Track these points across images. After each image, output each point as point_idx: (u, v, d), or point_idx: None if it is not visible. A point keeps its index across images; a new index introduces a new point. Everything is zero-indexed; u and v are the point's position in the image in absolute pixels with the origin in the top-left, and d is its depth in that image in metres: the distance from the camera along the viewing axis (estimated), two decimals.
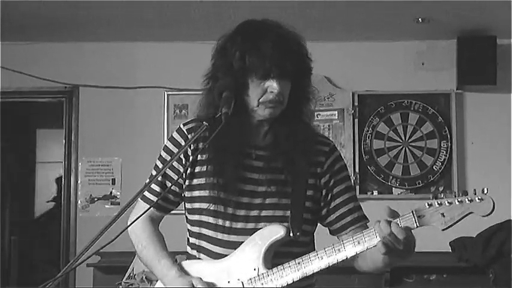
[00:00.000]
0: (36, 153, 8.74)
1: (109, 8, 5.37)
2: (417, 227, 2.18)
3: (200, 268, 2.41)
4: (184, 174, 2.46)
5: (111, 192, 6.20)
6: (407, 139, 6.15)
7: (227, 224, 2.38)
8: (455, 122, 6.11)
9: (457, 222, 2.15)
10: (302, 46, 2.41)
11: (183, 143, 2.45)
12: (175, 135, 2.51)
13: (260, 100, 2.36)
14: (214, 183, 2.39)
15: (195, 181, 2.44)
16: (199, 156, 2.44)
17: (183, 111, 6.16)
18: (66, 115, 6.32)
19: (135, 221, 2.22)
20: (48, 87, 6.23)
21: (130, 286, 5.25)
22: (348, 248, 2.24)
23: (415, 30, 5.89)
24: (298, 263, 2.29)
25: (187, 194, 2.47)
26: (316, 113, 5.87)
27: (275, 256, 2.34)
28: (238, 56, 2.35)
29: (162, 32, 5.97)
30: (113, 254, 5.14)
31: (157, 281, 2.53)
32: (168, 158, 2.49)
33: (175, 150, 2.48)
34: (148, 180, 2.52)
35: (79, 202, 6.21)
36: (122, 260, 5.40)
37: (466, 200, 2.12)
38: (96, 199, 6.19)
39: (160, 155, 2.54)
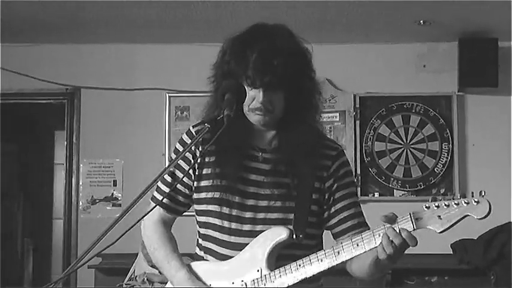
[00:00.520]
0: (55, 154, 8.70)
1: (110, 10, 5.37)
2: (414, 229, 2.19)
3: (205, 269, 2.44)
4: (193, 175, 2.49)
5: (112, 194, 6.20)
6: (408, 141, 6.16)
7: (232, 225, 2.41)
8: (456, 124, 6.11)
9: (453, 224, 2.16)
10: (295, 55, 2.40)
11: (193, 147, 2.47)
12: (185, 137, 2.55)
13: (249, 106, 2.40)
14: (219, 185, 2.41)
15: (202, 183, 2.47)
16: (206, 158, 2.47)
17: (185, 113, 6.17)
18: (68, 117, 6.32)
19: (138, 220, 2.22)
20: (49, 89, 6.24)
21: None
22: (347, 251, 2.26)
23: (416, 33, 5.89)
24: (299, 265, 2.31)
25: (195, 195, 2.50)
26: None
27: (279, 258, 2.36)
28: (228, 62, 2.40)
29: (163, 33, 5.98)
30: (114, 255, 5.15)
31: (159, 282, 2.55)
32: (181, 161, 2.51)
33: (187, 154, 2.49)
34: (159, 182, 2.56)
35: (80, 204, 6.22)
36: (123, 262, 5.41)
37: (463, 202, 2.13)
38: (97, 201, 6.20)
39: (171, 156, 2.57)
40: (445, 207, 2.14)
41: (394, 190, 6.09)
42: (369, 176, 6.11)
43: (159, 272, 5.14)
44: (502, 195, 5.55)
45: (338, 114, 6.13)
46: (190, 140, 2.49)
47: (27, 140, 8.14)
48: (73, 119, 6.30)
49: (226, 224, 2.41)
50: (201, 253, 2.50)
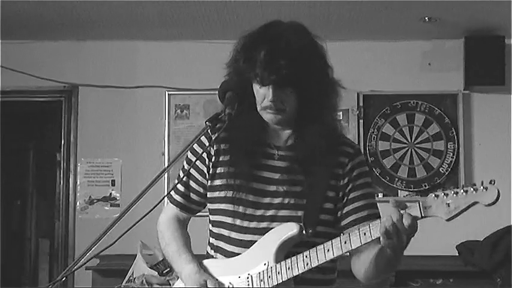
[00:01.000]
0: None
1: (109, 6, 5.37)
2: (422, 217, 2.18)
3: (214, 265, 2.48)
4: (207, 174, 2.52)
5: (110, 194, 6.20)
6: (413, 140, 6.15)
7: (244, 223, 2.43)
8: (462, 123, 6.11)
9: (461, 212, 2.15)
10: (306, 52, 2.40)
11: (206, 143, 2.50)
12: (202, 137, 2.55)
13: (261, 105, 2.41)
14: (232, 184, 2.44)
15: (216, 182, 2.50)
16: (221, 157, 2.49)
17: (185, 111, 6.16)
18: (65, 115, 6.32)
19: (138, 221, 2.22)
20: (46, 86, 6.24)
21: None
22: (354, 240, 2.25)
23: (421, 30, 5.89)
24: (305, 256, 2.31)
25: (209, 194, 2.53)
26: None
27: (287, 257, 2.36)
28: (238, 60, 2.41)
29: (163, 30, 5.97)
30: (112, 257, 5.15)
31: (158, 284, 2.57)
32: (193, 158, 2.53)
33: (199, 150, 2.52)
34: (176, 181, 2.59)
35: (78, 204, 6.21)
36: (121, 263, 5.41)
37: (472, 189, 2.14)
38: (95, 201, 6.20)
39: (187, 155, 2.59)
40: (453, 195, 2.15)
41: (399, 190, 6.09)
42: (373, 176, 6.10)
43: (158, 274, 5.16)
44: (509, 195, 5.54)
45: (341, 112, 6.12)
46: (205, 138, 2.52)
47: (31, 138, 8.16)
48: (71, 117, 6.30)
49: (238, 222, 2.44)
50: (211, 252, 2.53)
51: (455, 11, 5.44)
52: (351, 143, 2.54)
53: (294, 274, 2.32)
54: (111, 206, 6.18)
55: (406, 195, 6.05)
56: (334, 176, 2.44)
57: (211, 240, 2.54)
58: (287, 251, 2.37)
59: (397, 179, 6.11)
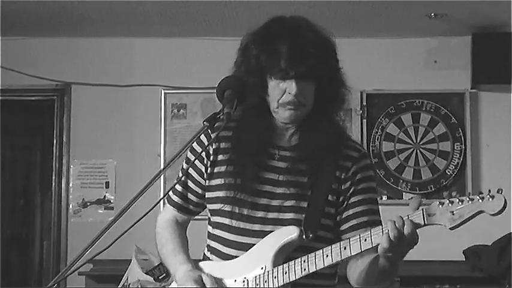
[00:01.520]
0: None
1: (103, 2, 5.37)
2: (425, 224, 2.19)
3: (211, 267, 2.48)
4: (205, 174, 2.53)
5: (104, 197, 6.20)
6: (418, 141, 6.16)
7: (241, 225, 2.43)
8: (469, 123, 6.11)
9: (466, 221, 2.15)
10: (325, 45, 2.45)
11: (206, 142, 2.51)
12: (202, 136, 2.55)
13: (279, 101, 2.42)
14: (231, 183, 2.44)
15: (214, 182, 2.51)
16: (220, 156, 2.50)
17: (181, 110, 6.16)
18: (57, 114, 6.32)
19: (133, 225, 2.22)
20: (38, 85, 6.24)
21: None
22: (354, 246, 2.25)
23: (427, 26, 5.89)
24: (304, 261, 2.31)
25: (207, 194, 2.54)
26: None
27: (286, 262, 2.36)
28: (256, 56, 2.41)
29: (159, 27, 5.97)
30: (106, 261, 5.14)
31: None
32: (192, 157, 2.54)
33: (199, 149, 2.53)
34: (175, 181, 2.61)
35: (70, 207, 6.21)
36: (115, 268, 5.41)
37: (477, 198, 2.14)
38: (88, 203, 6.20)
39: (186, 155, 2.59)
40: (459, 203, 2.16)
41: (403, 193, 6.10)
42: (377, 178, 6.10)
43: (154, 280, 5.15)
44: None
45: (344, 112, 6.12)
46: (205, 137, 2.53)
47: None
48: (63, 117, 6.30)
49: (235, 223, 2.44)
50: (208, 253, 2.54)
51: (462, 7, 5.45)
52: (357, 147, 2.54)
53: (291, 279, 2.32)
54: (105, 209, 6.18)
55: (411, 197, 6.05)
56: (336, 180, 2.44)
57: (209, 241, 2.55)
58: (286, 255, 2.37)
59: (401, 181, 6.11)
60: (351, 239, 2.26)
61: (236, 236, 2.43)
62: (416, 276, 5.62)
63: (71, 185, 6.23)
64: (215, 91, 2.48)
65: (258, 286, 2.36)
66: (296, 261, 2.32)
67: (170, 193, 2.61)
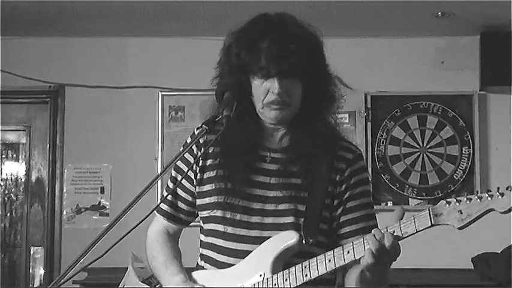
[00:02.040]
0: None
1: (98, 1, 5.37)
2: (432, 225, 2.18)
3: (205, 276, 2.48)
4: (194, 180, 2.53)
5: (99, 202, 6.20)
6: (425, 145, 6.15)
7: (235, 231, 2.43)
8: (478, 126, 6.11)
9: (475, 220, 2.15)
10: (309, 42, 2.44)
11: (195, 149, 2.52)
12: (189, 140, 2.57)
13: (264, 101, 2.42)
14: (221, 188, 2.44)
15: (205, 187, 2.51)
16: (209, 161, 2.50)
17: (179, 113, 6.16)
18: (51, 117, 6.32)
19: (129, 232, 2.22)
20: (30, 86, 6.23)
21: None
22: (358, 249, 2.25)
23: (434, 26, 5.89)
24: (305, 267, 2.31)
25: (198, 201, 2.54)
26: None
27: (285, 269, 2.36)
28: (237, 54, 2.42)
29: (156, 26, 5.97)
30: (101, 270, 5.14)
31: None
32: (182, 165, 2.55)
33: (188, 156, 2.54)
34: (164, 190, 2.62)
35: (64, 213, 6.21)
36: (111, 277, 5.40)
37: (486, 195, 2.14)
38: (83, 210, 6.19)
39: (176, 163, 2.58)
40: (467, 201, 2.15)
41: (409, 199, 6.09)
42: (382, 183, 6.11)
43: None
44: None
45: (347, 115, 6.13)
46: (194, 144, 2.52)
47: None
48: (56, 120, 6.30)
49: (228, 229, 2.44)
50: (201, 263, 2.53)
51: (470, 6, 5.44)
52: (351, 147, 2.54)
53: (292, 286, 2.32)
54: (100, 215, 6.18)
55: (418, 203, 6.05)
56: (331, 182, 2.45)
57: (202, 250, 2.54)
58: (285, 261, 2.36)
59: (407, 186, 6.10)
60: (354, 243, 2.26)
61: (232, 242, 2.43)
62: (422, 284, 5.62)
63: (64, 190, 6.23)
64: (214, 93, 2.49)
65: None
66: (297, 267, 2.32)
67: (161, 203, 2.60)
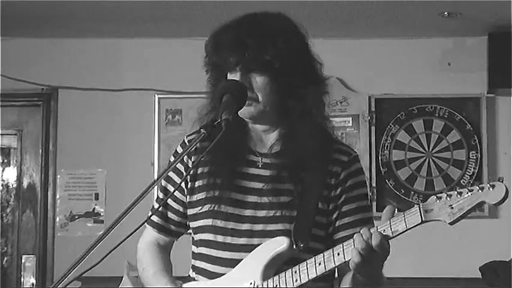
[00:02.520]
0: None
1: (91, 1, 5.37)
2: (423, 221, 2.20)
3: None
4: (185, 189, 2.53)
5: (93, 209, 6.20)
6: (431, 149, 6.16)
7: (227, 240, 2.43)
8: (485, 130, 6.11)
9: (466, 214, 2.17)
10: (282, 38, 2.42)
11: (185, 157, 2.52)
12: (179, 149, 2.60)
13: None
14: (214, 196, 2.44)
15: (196, 196, 2.51)
16: (199, 169, 2.51)
17: (176, 116, 6.17)
18: (43, 121, 6.32)
19: (124, 240, 2.22)
20: (23, 89, 6.23)
21: None
22: (348, 251, 2.25)
23: (440, 26, 5.90)
24: (295, 272, 2.31)
25: (189, 211, 2.54)
26: None
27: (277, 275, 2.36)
28: (209, 51, 2.50)
29: (152, 26, 5.98)
30: (95, 279, 5.11)
31: None
32: (172, 174, 2.56)
33: (179, 165, 2.54)
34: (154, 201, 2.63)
35: (57, 220, 6.21)
36: (105, 287, 5.40)
37: (477, 188, 2.16)
38: (76, 216, 6.19)
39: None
40: (457, 196, 2.17)
41: (415, 205, 6.07)
42: (386, 189, 6.11)
43: None
44: None
45: (350, 118, 6.13)
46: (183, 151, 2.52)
47: None
48: (49, 123, 6.30)
49: (220, 238, 2.44)
50: (193, 274, 2.53)
51: (478, 5, 5.44)
52: (346, 150, 2.54)
53: None
54: (94, 222, 6.18)
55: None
56: (326, 186, 2.45)
57: (193, 261, 2.54)
58: (276, 268, 2.36)
59: (413, 192, 6.10)
60: (344, 244, 2.26)
61: (222, 252, 2.43)
62: None
63: (57, 196, 6.23)
64: (206, 95, 2.50)
65: None
66: (287, 273, 2.32)
67: (150, 213, 2.58)
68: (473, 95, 6.16)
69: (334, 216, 2.46)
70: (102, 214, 6.19)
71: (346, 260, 2.23)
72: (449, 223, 2.18)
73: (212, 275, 2.44)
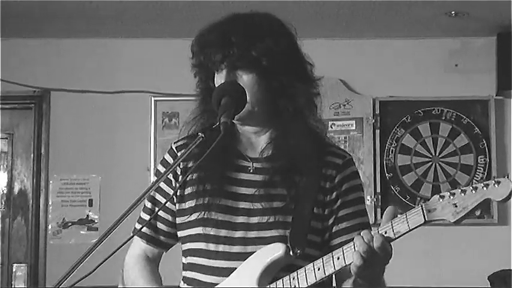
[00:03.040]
0: None
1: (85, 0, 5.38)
2: (426, 221, 2.19)
3: None
4: (174, 198, 2.52)
5: (87, 216, 6.20)
6: (437, 154, 6.16)
7: (220, 248, 2.42)
8: (494, 134, 6.11)
9: (471, 212, 2.16)
10: (269, 33, 2.43)
11: (172, 162, 2.52)
12: (166, 156, 2.59)
13: None
14: (204, 204, 2.44)
15: (185, 205, 2.50)
16: (189, 176, 2.48)
17: (173, 120, 6.17)
18: (35, 124, 6.32)
19: (119, 248, 2.22)
20: (14, 91, 6.24)
21: None
22: (348, 255, 2.24)
23: (447, 26, 5.90)
24: (293, 278, 2.31)
25: (178, 220, 2.53)
26: (330, 123, 5.88)
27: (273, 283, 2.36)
28: (194, 52, 2.48)
29: (148, 26, 5.98)
30: None
31: None
32: (162, 183, 2.53)
33: (163, 171, 2.52)
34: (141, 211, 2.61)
35: (49, 227, 6.21)
36: None
37: (481, 185, 2.14)
38: (69, 224, 6.19)
39: (153, 181, 2.59)
40: (461, 194, 2.16)
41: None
42: (391, 195, 6.11)
43: None
44: None
45: (354, 121, 6.13)
46: (171, 159, 2.53)
47: None
48: (41, 127, 6.30)
49: (212, 247, 2.43)
50: (184, 285, 2.52)
51: (486, 4, 5.45)
52: (340, 152, 2.54)
53: None
54: (88, 229, 6.18)
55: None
56: (321, 190, 2.45)
57: (184, 273, 2.53)
58: (273, 276, 2.35)
59: (419, 198, 6.10)
60: (344, 248, 2.25)
61: (215, 260, 2.42)
62: None
63: (50, 203, 6.23)
64: (195, 98, 2.50)
65: None
66: (284, 279, 2.32)
67: (137, 224, 2.59)
68: (482, 97, 6.16)
69: (331, 221, 2.46)
70: (96, 221, 6.19)
71: (347, 264, 2.23)
72: (453, 222, 2.17)
73: (206, 285, 2.43)
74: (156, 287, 2.56)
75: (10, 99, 6.33)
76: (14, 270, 6.32)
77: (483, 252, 5.82)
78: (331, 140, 2.59)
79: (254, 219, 2.41)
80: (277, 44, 2.42)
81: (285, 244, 2.34)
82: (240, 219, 2.42)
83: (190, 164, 2.48)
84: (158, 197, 2.55)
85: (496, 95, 6.12)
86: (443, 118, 6.18)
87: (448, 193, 2.19)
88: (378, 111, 6.17)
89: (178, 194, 2.51)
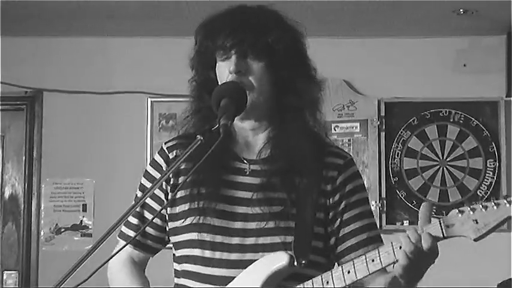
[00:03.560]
0: None
1: None
2: (444, 237, 2.18)
3: None
4: (165, 202, 2.51)
5: (81, 222, 6.20)
6: (445, 157, 6.16)
7: (216, 255, 2.40)
8: (504, 137, 6.11)
9: (492, 230, 2.14)
10: (279, 30, 2.44)
11: (163, 165, 2.52)
12: (156, 157, 2.59)
13: None
14: (198, 208, 2.42)
15: (178, 209, 2.48)
16: (181, 179, 2.49)
17: (170, 121, 6.17)
18: (27, 126, 6.32)
19: (114, 255, 2.22)
20: (4, 92, 6.24)
21: None
22: (360, 268, 2.23)
23: (455, 24, 5.91)
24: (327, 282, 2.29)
25: (170, 224, 2.51)
26: (333, 125, 5.88)
27: None
28: (199, 41, 2.48)
29: (144, 24, 5.99)
30: None
31: None
32: (149, 185, 2.54)
33: (156, 174, 2.54)
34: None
35: (42, 233, 6.21)
36: None
37: (504, 202, 2.14)
38: (62, 229, 6.20)
39: (141, 182, 2.60)
40: (482, 210, 2.15)
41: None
42: (397, 200, 6.11)
43: None
44: None
45: (358, 124, 6.13)
46: (162, 160, 2.53)
47: None
48: (33, 129, 6.30)
49: (208, 254, 2.40)
50: None
51: (495, 2, 5.45)
52: (341, 152, 2.53)
53: None
54: (81, 235, 6.18)
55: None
56: (322, 193, 2.43)
57: (177, 280, 2.51)
58: (275, 286, 2.33)
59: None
60: (354, 261, 2.25)
61: (212, 268, 2.39)
62: None
63: (42, 207, 6.23)
64: (188, 97, 2.50)
65: None
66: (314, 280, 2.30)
67: (124, 228, 2.58)
68: (491, 98, 6.16)
69: (336, 225, 2.44)
70: (90, 227, 6.20)
71: (358, 278, 2.23)
72: (474, 239, 2.16)
73: None
74: None
75: (0, 100, 6.32)
76: (4, 277, 6.33)
77: (491, 260, 5.81)
78: (331, 141, 2.59)
79: (252, 225, 2.39)
80: (289, 37, 2.44)
81: (289, 253, 2.32)
82: (237, 224, 2.40)
83: (182, 166, 2.45)
84: (149, 200, 2.53)
85: (506, 96, 6.12)
86: (451, 120, 6.18)
87: (468, 208, 2.17)
88: (383, 113, 6.17)
89: (169, 198, 2.50)
